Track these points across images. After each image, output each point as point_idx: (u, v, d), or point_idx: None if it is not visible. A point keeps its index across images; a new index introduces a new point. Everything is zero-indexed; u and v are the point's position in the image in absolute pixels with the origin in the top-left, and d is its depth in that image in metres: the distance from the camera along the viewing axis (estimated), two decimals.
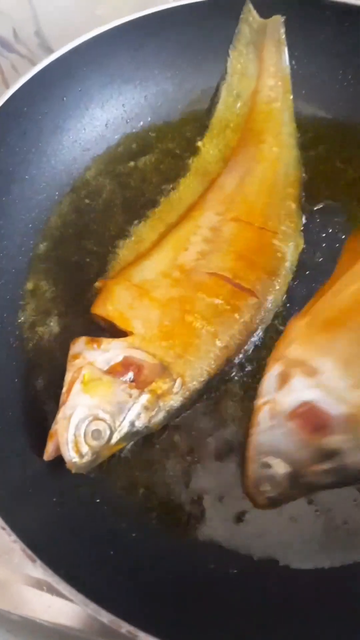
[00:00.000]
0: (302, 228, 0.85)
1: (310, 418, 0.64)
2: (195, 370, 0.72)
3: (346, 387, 0.64)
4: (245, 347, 0.76)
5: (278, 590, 0.64)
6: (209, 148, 0.94)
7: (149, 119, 0.99)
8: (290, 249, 0.82)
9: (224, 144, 0.94)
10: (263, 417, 0.65)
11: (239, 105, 0.98)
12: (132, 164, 0.95)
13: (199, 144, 0.95)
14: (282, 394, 0.65)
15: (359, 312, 0.70)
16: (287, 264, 0.81)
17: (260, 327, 0.78)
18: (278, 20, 0.99)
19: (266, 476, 0.63)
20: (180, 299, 0.75)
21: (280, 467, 0.63)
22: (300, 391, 0.65)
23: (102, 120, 0.97)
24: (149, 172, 0.94)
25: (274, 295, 0.79)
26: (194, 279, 0.77)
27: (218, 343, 0.74)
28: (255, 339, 0.77)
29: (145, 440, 0.72)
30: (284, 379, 0.66)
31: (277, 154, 0.91)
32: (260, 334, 0.78)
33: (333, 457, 0.62)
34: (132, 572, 0.64)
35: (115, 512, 0.69)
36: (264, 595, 0.64)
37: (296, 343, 0.69)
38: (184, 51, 0.99)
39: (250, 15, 0.98)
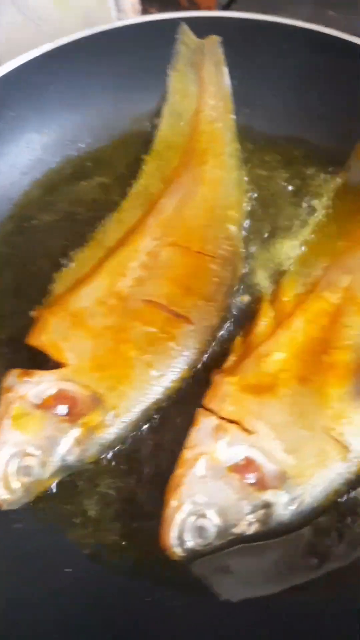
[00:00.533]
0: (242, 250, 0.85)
1: (250, 473, 0.65)
2: (130, 402, 0.71)
3: (279, 450, 0.66)
4: (182, 371, 0.75)
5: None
6: (150, 169, 0.94)
7: (89, 140, 0.99)
8: (228, 272, 0.82)
9: (166, 165, 0.93)
10: (199, 467, 0.65)
11: (181, 125, 0.98)
12: (72, 186, 0.94)
13: (142, 165, 0.94)
14: (220, 447, 0.66)
15: (286, 381, 0.71)
16: (225, 289, 0.81)
17: (197, 353, 0.76)
18: (215, 40, 0.99)
19: (196, 526, 0.63)
20: (114, 328, 0.74)
21: (214, 518, 0.63)
22: (239, 446, 0.66)
23: (40, 144, 0.96)
24: (89, 194, 0.93)
25: (210, 321, 0.78)
26: (129, 306, 0.76)
27: (153, 372, 0.73)
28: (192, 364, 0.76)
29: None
30: (220, 433, 0.66)
31: (219, 176, 0.91)
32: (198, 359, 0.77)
33: (264, 510, 0.64)
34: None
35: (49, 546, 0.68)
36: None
37: (228, 402, 0.69)
38: (125, 72, 0.99)
39: (186, 35, 0.97)
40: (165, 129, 0.97)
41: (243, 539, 0.64)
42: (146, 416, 0.73)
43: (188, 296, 0.78)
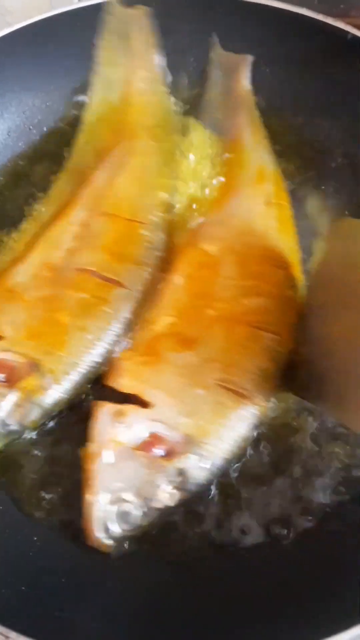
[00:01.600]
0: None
1: (156, 446, 0.69)
2: (67, 365, 0.74)
3: (179, 416, 0.69)
4: (119, 332, 0.78)
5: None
6: (81, 143, 0.97)
7: (52, 124, 1.03)
8: (159, 237, 0.86)
9: (97, 138, 0.96)
10: (105, 457, 0.67)
11: (111, 96, 1.00)
12: (35, 168, 0.99)
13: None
14: (121, 431, 0.68)
15: (174, 344, 0.74)
16: (157, 252, 0.85)
17: (134, 314, 0.80)
18: (143, 10, 1.01)
19: (119, 514, 0.65)
20: (48, 298, 0.77)
21: (133, 500, 0.66)
22: (139, 424, 0.69)
23: (3, 129, 1.00)
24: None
25: (144, 284, 0.81)
26: (62, 276, 0.79)
27: (88, 336, 0.76)
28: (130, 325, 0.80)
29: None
30: (119, 417, 0.69)
31: (151, 148, 0.94)
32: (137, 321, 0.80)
33: (179, 478, 0.68)
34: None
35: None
36: None
37: (125, 377, 0.72)
38: (88, 53, 1.01)
39: (113, 5, 0.99)
40: (96, 101, 1.00)
41: (171, 508, 0.69)
42: (87, 380, 0.76)
43: (119, 262, 0.81)
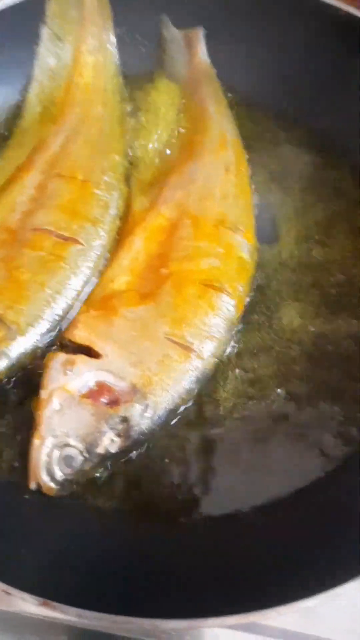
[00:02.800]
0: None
1: (102, 394, 0.71)
2: (29, 318, 0.75)
3: (126, 365, 0.72)
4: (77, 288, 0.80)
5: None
6: (32, 105, 0.98)
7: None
8: (114, 197, 0.88)
9: (50, 101, 0.98)
10: (53, 403, 0.69)
11: (63, 54, 1.01)
12: None
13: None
14: (70, 379, 0.70)
15: (129, 299, 0.77)
16: (112, 211, 0.87)
17: (92, 271, 0.82)
18: None
19: (63, 457, 0.67)
20: (6, 259, 0.78)
21: (76, 444, 0.68)
22: (88, 373, 0.70)
23: None
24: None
25: (100, 240, 0.84)
26: (18, 237, 0.80)
27: (48, 291, 0.77)
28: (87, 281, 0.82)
29: None
30: (69, 366, 0.71)
31: (102, 112, 0.96)
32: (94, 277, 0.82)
33: (123, 425, 0.70)
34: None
35: None
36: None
37: (79, 328, 0.74)
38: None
39: None
40: (47, 68, 1.00)
41: (112, 455, 0.70)
42: (50, 333, 0.77)
43: (75, 220, 0.82)
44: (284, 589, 0.59)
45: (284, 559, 0.66)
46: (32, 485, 0.67)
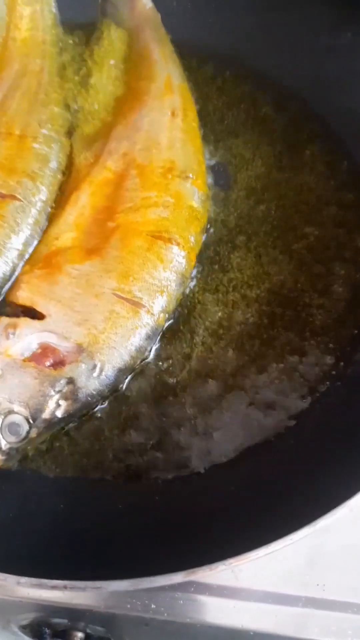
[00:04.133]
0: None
1: (46, 357, 0.66)
2: None
3: (70, 325, 0.67)
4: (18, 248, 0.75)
5: None
6: None
7: None
8: (54, 150, 0.82)
9: None
10: None
11: None
12: None
13: None
14: (12, 343, 0.65)
15: (74, 256, 0.72)
16: (52, 164, 0.81)
17: (33, 228, 0.77)
18: None
19: (7, 425, 0.62)
20: None
21: (20, 411, 0.63)
22: (31, 335, 0.66)
23: None
24: None
25: (40, 196, 0.78)
26: None
27: None
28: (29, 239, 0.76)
29: None
30: (11, 329, 0.66)
31: (41, 65, 0.90)
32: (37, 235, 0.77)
33: (69, 387, 0.65)
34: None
35: None
36: None
37: (22, 289, 0.70)
38: None
39: None
40: None
41: (60, 420, 0.65)
42: None
43: (11, 176, 0.77)
44: (235, 541, 0.55)
45: (233, 513, 0.62)
46: None
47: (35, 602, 0.64)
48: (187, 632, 0.65)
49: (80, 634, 0.65)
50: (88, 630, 0.65)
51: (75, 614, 0.64)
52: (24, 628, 0.67)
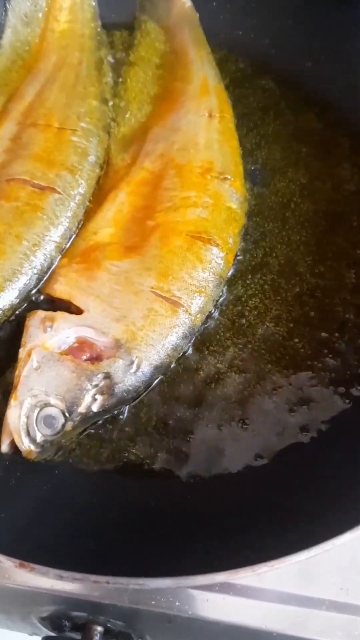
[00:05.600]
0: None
1: (83, 351, 0.65)
2: (7, 272, 0.70)
3: (109, 320, 0.66)
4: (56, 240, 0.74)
5: None
6: (7, 53, 0.91)
7: None
8: (93, 144, 0.81)
9: (25, 48, 0.91)
10: (32, 361, 0.64)
11: (37, 10, 0.94)
12: None
13: None
14: (50, 336, 0.64)
15: (113, 253, 0.71)
16: (91, 158, 0.80)
17: (71, 221, 0.76)
18: None
19: (42, 418, 0.62)
20: None
21: (56, 404, 0.62)
22: (68, 330, 0.65)
23: None
24: None
25: (78, 189, 0.77)
26: None
27: (25, 244, 0.72)
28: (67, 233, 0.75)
29: None
30: (48, 323, 0.65)
31: (79, 58, 0.89)
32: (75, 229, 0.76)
33: (105, 382, 0.64)
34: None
35: None
36: None
37: (59, 283, 0.69)
38: None
39: None
40: (20, 15, 0.93)
41: (95, 415, 0.64)
42: (29, 289, 0.72)
43: (51, 169, 0.76)
44: (274, 544, 0.54)
45: (272, 515, 0.61)
46: (4, 448, 0.62)
47: (57, 595, 0.63)
48: (209, 631, 0.64)
49: (99, 628, 0.64)
50: (108, 625, 0.64)
51: (96, 608, 0.63)
52: (43, 620, 0.67)
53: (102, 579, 0.51)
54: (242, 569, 0.51)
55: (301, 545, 0.52)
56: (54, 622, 0.66)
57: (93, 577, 0.51)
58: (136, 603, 0.63)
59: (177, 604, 0.63)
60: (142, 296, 0.68)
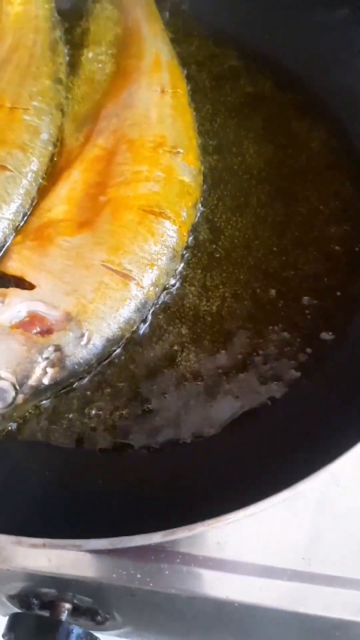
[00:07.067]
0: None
1: (34, 324, 0.64)
2: None
3: (59, 294, 0.65)
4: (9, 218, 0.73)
5: None
6: None
7: None
8: (45, 122, 0.79)
9: None
10: None
11: None
12: None
13: None
14: (1, 311, 0.63)
15: (65, 229, 0.70)
16: (43, 136, 0.78)
17: (24, 199, 0.75)
18: None
19: None
20: None
21: (6, 376, 0.60)
22: (19, 304, 0.64)
23: None
24: None
25: (29, 167, 0.76)
26: None
27: None
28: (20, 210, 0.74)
29: None
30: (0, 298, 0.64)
31: (33, 40, 0.88)
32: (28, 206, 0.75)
33: (56, 354, 0.62)
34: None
35: None
36: None
37: (12, 259, 0.68)
38: None
39: None
40: None
41: (47, 387, 0.63)
42: None
43: (2, 147, 0.75)
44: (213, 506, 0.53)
45: (220, 481, 0.60)
46: None
47: (22, 571, 0.61)
48: (172, 603, 0.63)
49: (67, 605, 0.63)
50: (76, 601, 0.63)
51: (62, 584, 0.61)
52: (11, 598, 0.65)
53: (39, 541, 0.50)
54: (178, 529, 0.50)
55: (240, 504, 0.51)
56: (22, 600, 0.65)
57: (31, 541, 0.50)
58: (99, 577, 0.61)
59: (138, 576, 0.61)
60: (92, 270, 0.66)
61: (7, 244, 0.71)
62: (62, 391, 0.66)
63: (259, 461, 0.61)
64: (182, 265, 0.74)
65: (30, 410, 0.65)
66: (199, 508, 0.53)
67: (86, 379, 0.67)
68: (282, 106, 0.88)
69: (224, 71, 0.92)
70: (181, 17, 0.95)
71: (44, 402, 0.66)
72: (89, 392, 0.67)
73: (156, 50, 0.88)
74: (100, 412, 0.66)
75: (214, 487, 0.59)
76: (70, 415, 0.66)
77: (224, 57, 0.94)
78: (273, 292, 0.73)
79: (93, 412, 0.66)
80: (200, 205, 0.77)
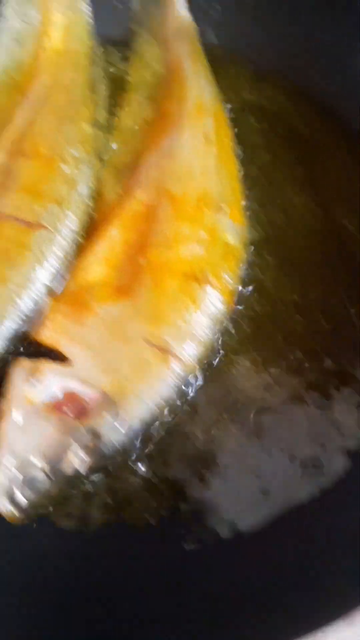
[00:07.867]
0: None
1: (69, 405, 0.60)
2: None
3: (97, 372, 0.60)
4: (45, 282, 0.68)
5: None
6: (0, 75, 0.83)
7: None
8: (83, 173, 0.74)
9: (17, 69, 0.84)
10: (14, 415, 0.58)
11: (30, 16, 0.87)
12: None
13: None
14: (34, 389, 0.59)
15: (102, 294, 0.65)
16: (81, 189, 0.73)
17: (61, 259, 0.70)
18: None
19: (24, 479, 0.57)
20: None
21: (39, 464, 0.57)
22: (55, 382, 0.60)
23: None
24: None
25: (68, 225, 0.71)
26: None
27: (12, 287, 0.66)
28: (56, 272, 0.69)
29: None
30: (32, 373, 0.60)
31: (73, 78, 0.82)
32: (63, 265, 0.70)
33: (91, 439, 0.59)
34: None
35: None
36: None
37: (46, 327, 0.64)
38: None
39: None
40: (11, 18, 0.86)
41: (82, 474, 0.59)
42: (18, 334, 0.66)
43: (38, 202, 0.69)
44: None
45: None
46: None
47: None
48: None
49: None
50: None
51: None
52: None
53: None
54: None
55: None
56: None
57: None
58: None
59: None
60: (132, 345, 0.62)
61: (41, 308, 0.66)
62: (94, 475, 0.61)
63: None
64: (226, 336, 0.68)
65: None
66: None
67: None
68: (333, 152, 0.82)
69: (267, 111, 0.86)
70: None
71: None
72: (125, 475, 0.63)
73: (199, 93, 0.81)
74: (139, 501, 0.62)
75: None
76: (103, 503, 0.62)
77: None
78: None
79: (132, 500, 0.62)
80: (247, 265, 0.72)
